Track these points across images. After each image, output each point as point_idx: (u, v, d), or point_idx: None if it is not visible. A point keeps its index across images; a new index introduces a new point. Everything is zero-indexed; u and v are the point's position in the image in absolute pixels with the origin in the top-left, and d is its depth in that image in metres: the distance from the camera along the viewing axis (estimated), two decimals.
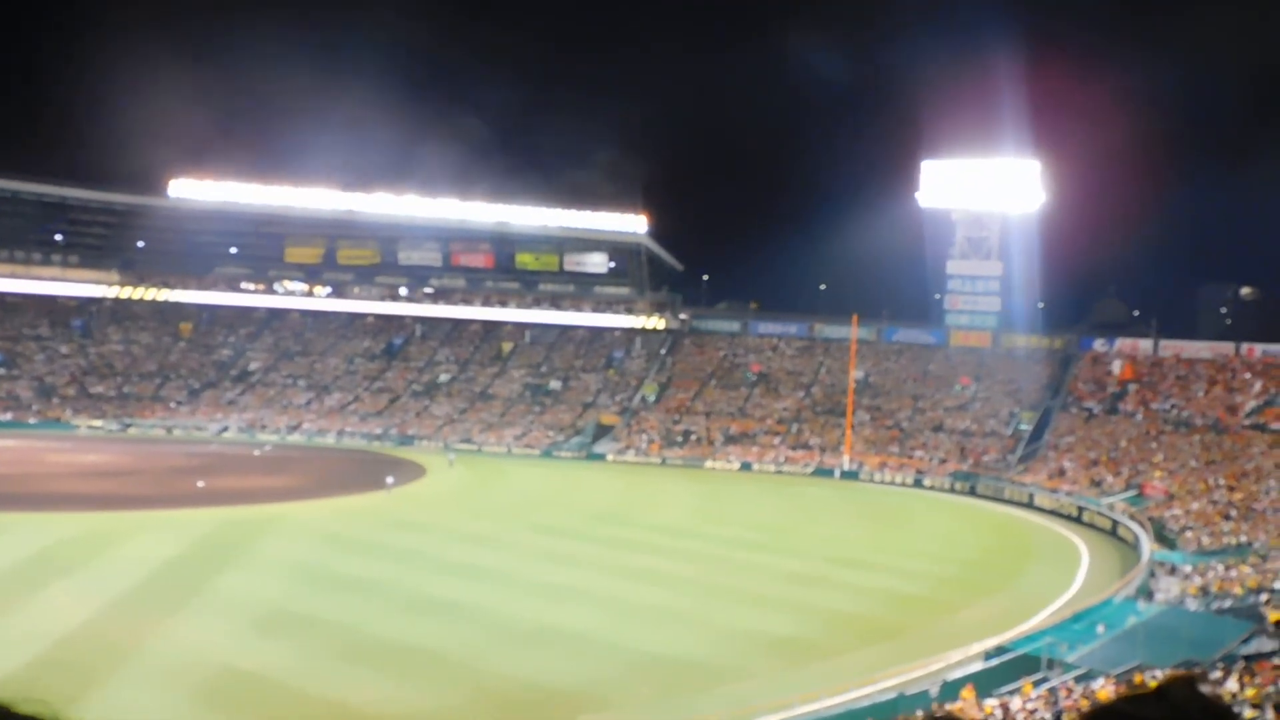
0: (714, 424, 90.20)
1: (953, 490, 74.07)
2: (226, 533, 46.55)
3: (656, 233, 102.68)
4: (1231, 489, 57.08)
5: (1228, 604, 34.66)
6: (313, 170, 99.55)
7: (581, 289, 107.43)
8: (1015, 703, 23.87)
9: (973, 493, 72.64)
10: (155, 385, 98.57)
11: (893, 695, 25.36)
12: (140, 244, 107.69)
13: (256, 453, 78.92)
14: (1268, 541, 44.75)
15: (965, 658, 29.35)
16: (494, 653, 29.36)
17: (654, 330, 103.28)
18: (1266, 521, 48.68)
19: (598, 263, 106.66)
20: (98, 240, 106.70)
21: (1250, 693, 20.88)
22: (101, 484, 59.97)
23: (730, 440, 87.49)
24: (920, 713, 23.44)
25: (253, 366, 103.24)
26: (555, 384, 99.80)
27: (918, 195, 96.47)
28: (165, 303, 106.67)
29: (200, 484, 60.28)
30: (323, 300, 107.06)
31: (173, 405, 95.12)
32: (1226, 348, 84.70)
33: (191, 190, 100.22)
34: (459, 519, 53.84)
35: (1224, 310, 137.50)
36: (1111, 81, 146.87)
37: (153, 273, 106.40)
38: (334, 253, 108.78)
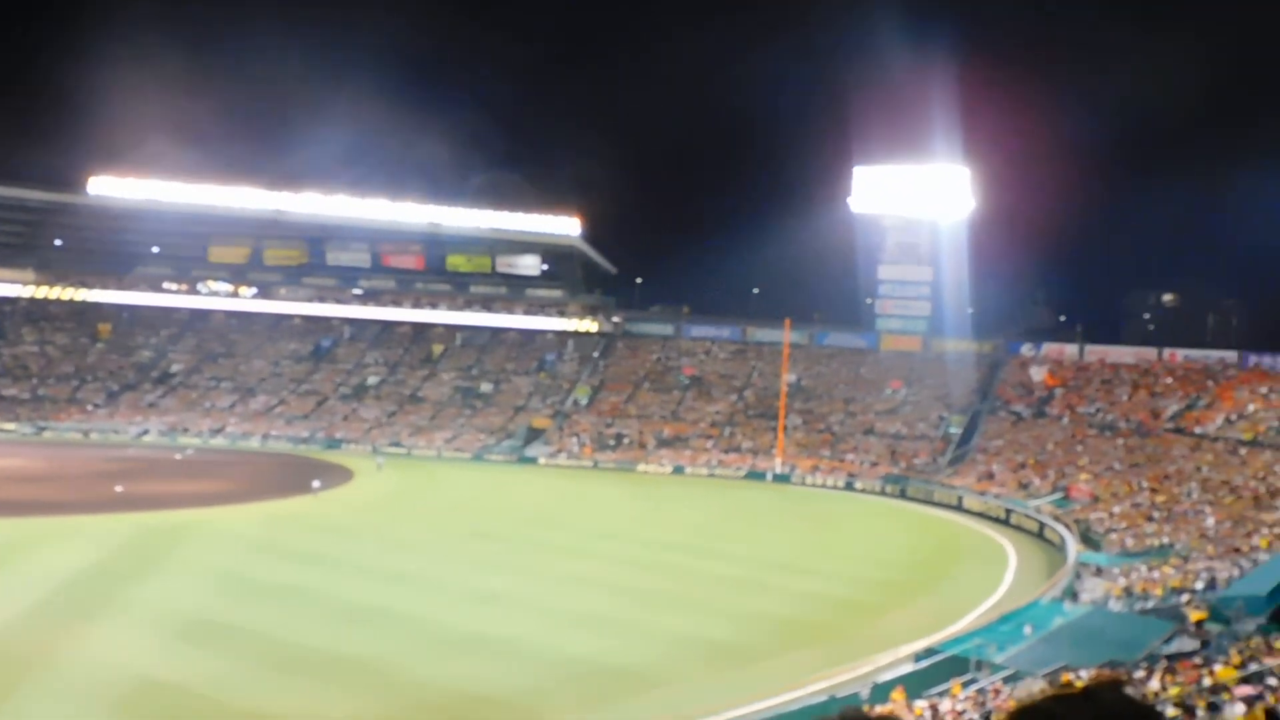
0: (647, 427, 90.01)
1: (884, 493, 74.56)
2: (146, 539, 45.18)
3: (590, 236, 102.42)
4: (1154, 491, 58.01)
5: (1150, 604, 35.12)
6: (239, 169, 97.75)
7: (514, 291, 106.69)
8: (945, 704, 23.84)
9: (903, 495, 73.21)
10: (72, 387, 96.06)
11: (824, 698, 25.22)
12: (58, 242, 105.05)
13: (178, 456, 77.05)
14: (1189, 542, 45.42)
15: (895, 660, 29.37)
16: (422, 661, 28.74)
17: (587, 333, 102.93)
18: (1188, 523, 49.45)
19: (530, 265, 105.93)
20: (13, 238, 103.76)
21: (1174, 691, 21.01)
22: (14, 489, 58.05)
23: (663, 443, 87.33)
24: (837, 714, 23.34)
25: (174, 368, 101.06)
26: (486, 387, 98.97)
27: (850, 201, 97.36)
28: (83, 303, 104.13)
29: (119, 489, 58.53)
30: (248, 301, 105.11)
31: (90, 408, 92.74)
32: (1149, 353, 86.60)
33: (112, 188, 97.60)
34: (387, 524, 53.01)
35: (1147, 316, 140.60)
36: (1040, 92, 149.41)
37: (70, 272, 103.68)
38: (260, 253, 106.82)
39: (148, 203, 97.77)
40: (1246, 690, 18.93)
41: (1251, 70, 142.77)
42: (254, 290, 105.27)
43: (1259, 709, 17.02)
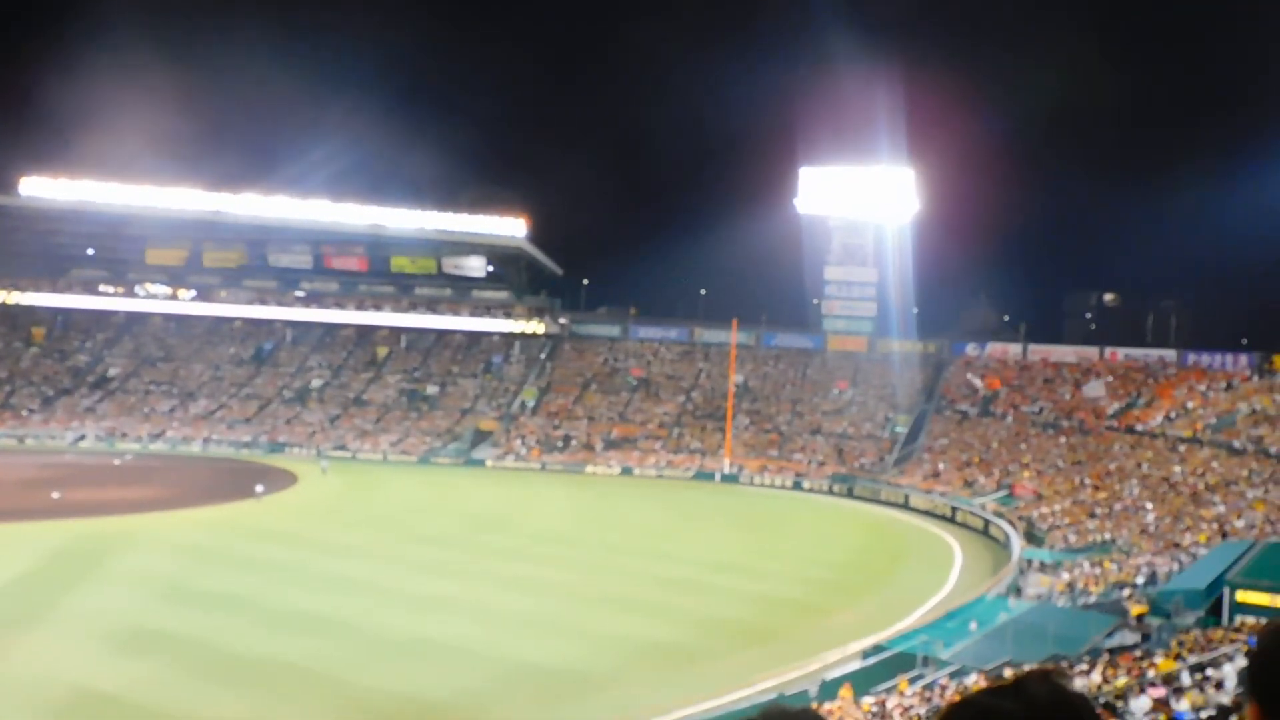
0: (594, 429, 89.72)
1: (831, 492, 74.89)
2: (83, 546, 44.25)
3: (535, 237, 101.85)
4: (1096, 488, 58.81)
5: (1093, 599, 35.49)
6: (176, 169, 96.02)
7: (459, 293, 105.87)
8: (892, 700, 23.84)
9: (850, 495, 73.59)
10: (5, 393, 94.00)
11: (772, 697, 25.11)
12: None
13: (116, 462, 75.58)
14: (1130, 538, 46.07)
15: (843, 657, 29.44)
16: (366, 666, 28.34)
17: (533, 335, 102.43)
18: (1128, 519, 50.20)
19: (476, 266, 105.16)
20: None
21: (1120, 683, 21.10)
22: None
23: (611, 445, 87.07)
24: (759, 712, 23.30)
25: (111, 372, 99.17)
26: (432, 389, 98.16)
27: (796, 202, 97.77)
28: (16, 306, 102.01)
29: (55, 495, 57.34)
30: (187, 304, 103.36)
31: (24, 413, 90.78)
32: (1091, 352, 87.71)
33: (44, 189, 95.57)
34: (331, 529, 52.24)
35: (1089, 316, 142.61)
36: (984, 95, 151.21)
37: (2, 275, 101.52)
38: (199, 255, 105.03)
39: (82, 204, 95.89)
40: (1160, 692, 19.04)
41: (1188, 74, 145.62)
42: (193, 293, 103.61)
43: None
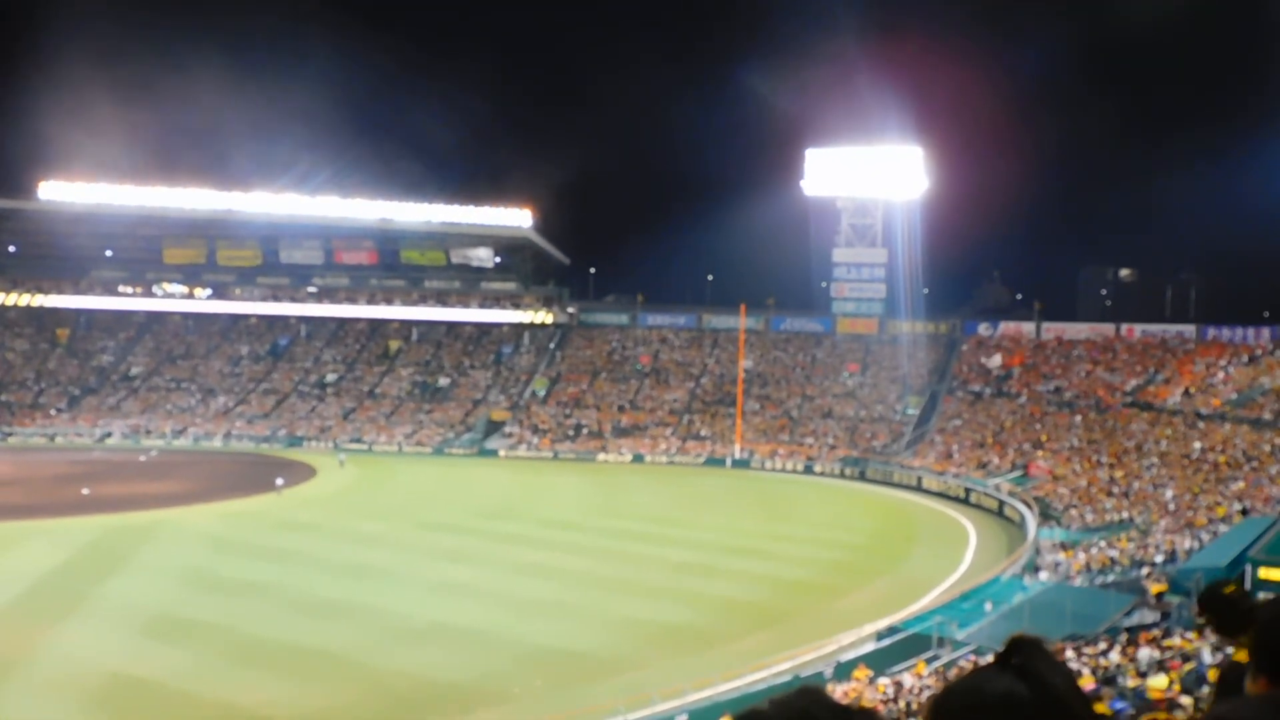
0: (605, 417, 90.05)
1: (843, 476, 74.94)
2: (113, 540, 45.26)
3: (541, 227, 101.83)
4: (1113, 466, 58.50)
5: (1110, 578, 35.66)
6: (189, 170, 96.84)
7: (468, 284, 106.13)
8: (908, 680, 24.21)
9: (862, 477, 73.61)
10: (34, 392, 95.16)
11: (788, 678, 25.52)
12: (11, 248, 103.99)
13: (142, 458, 76.68)
14: (1149, 516, 45.98)
15: (858, 639, 29.74)
16: (387, 650, 29.03)
17: (542, 325, 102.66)
18: (1146, 497, 50.04)
19: (484, 256, 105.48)
20: None
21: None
22: None
23: (621, 432, 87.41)
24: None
25: (134, 371, 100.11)
26: (444, 381, 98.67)
27: (803, 183, 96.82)
28: (40, 308, 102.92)
29: (85, 491, 58.46)
30: (204, 302, 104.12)
31: (53, 412, 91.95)
32: (1107, 329, 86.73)
33: (63, 192, 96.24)
34: (350, 519, 52.95)
35: (1104, 292, 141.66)
36: (994, 71, 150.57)
37: (26, 277, 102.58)
38: (214, 253, 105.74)
39: (99, 206, 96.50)
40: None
41: (1205, 44, 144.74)
42: (209, 291, 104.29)
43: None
